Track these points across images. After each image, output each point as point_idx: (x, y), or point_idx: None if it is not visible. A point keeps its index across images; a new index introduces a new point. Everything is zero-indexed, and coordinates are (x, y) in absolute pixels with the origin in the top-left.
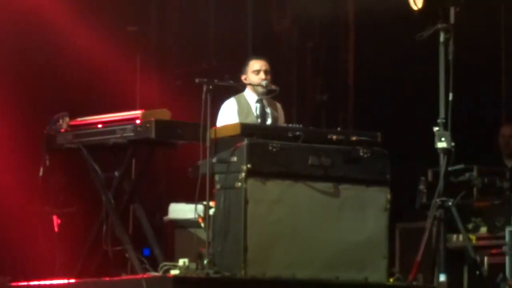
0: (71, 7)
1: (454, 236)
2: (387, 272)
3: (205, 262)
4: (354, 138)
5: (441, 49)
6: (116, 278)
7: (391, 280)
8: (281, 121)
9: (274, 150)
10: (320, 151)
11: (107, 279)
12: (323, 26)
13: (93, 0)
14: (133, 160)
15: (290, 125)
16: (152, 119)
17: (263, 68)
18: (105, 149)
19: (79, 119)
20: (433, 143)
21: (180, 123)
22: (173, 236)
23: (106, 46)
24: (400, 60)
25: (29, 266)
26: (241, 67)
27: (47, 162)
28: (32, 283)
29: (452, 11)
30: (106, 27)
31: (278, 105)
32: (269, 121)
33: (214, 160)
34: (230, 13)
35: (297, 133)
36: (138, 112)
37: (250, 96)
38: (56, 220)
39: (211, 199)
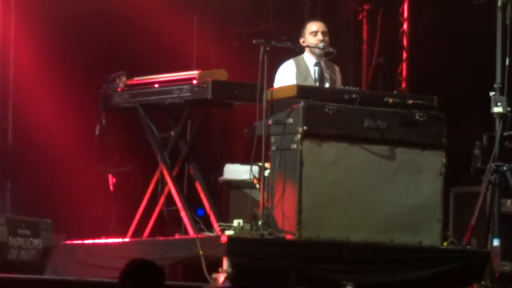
0: None
1: (508, 201)
2: (441, 236)
3: (259, 223)
4: (410, 101)
5: (499, 14)
6: (170, 238)
7: (445, 244)
8: (339, 84)
9: (330, 112)
10: (376, 114)
11: (162, 238)
12: None
13: None
14: (189, 120)
15: (347, 87)
16: (209, 79)
17: (321, 29)
18: (161, 109)
19: (136, 78)
20: (489, 107)
21: (237, 84)
22: (227, 197)
23: (164, 6)
24: (458, 24)
25: (84, 224)
26: (298, 29)
27: (104, 121)
28: (86, 241)
29: None
30: None
31: (336, 68)
32: (326, 84)
33: (270, 121)
34: None
35: (353, 95)
36: (195, 72)
37: (308, 58)
38: (111, 179)
39: (266, 160)
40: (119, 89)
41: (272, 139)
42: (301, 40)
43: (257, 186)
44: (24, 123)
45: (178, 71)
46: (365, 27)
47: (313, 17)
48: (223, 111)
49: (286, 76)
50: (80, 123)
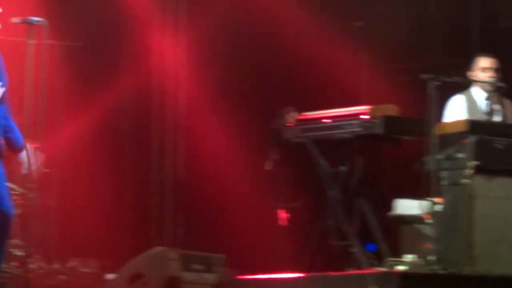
0: (297, 2)
1: None
2: None
3: (431, 258)
4: None
5: None
6: (342, 273)
7: None
8: (510, 118)
9: (501, 147)
10: None
11: (334, 273)
12: None
13: None
14: (359, 155)
15: None
16: (380, 114)
17: (492, 66)
18: (331, 144)
19: (305, 113)
20: None
21: (407, 119)
22: (397, 232)
23: (331, 41)
24: None
25: (256, 259)
26: (466, 63)
27: (275, 156)
28: (259, 276)
29: None
30: (331, 22)
31: (507, 102)
32: (496, 118)
33: (440, 156)
34: (454, 9)
35: None
36: (365, 108)
37: (477, 92)
38: (283, 214)
39: (436, 195)
40: (289, 124)
41: (442, 174)
42: (470, 74)
43: (428, 221)
44: (196, 158)
45: (346, 106)
46: None
47: (484, 53)
48: (392, 146)
49: (456, 110)
50: (251, 157)
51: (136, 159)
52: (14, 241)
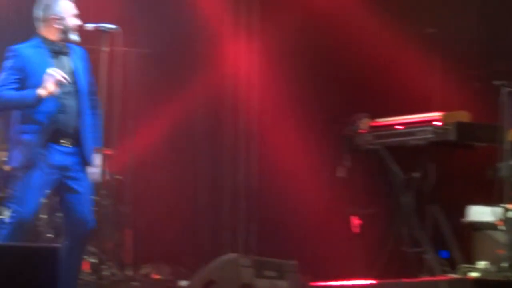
0: (370, 9)
1: None
2: None
3: (504, 264)
4: None
5: None
6: (416, 280)
7: None
8: None
9: None
10: None
11: (407, 280)
12: None
13: (392, 2)
14: (431, 162)
15: None
16: (453, 121)
17: None
18: (404, 150)
19: (378, 120)
20: None
21: (480, 125)
22: (470, 239)
23: (404, 48)
24: None
25: (329, 266)
26: None
27: (347, 163)
28: (331, 283)
29: None
30: (404, 29)
31: None
32: None
33: None
34: None
35: None
36: (438, 114)
37: None
38: (356, 221)
39: (509, 201)
40: (362, 131)
41: None
42: None
43: (501, 227)
44: (268, 164)
45: (418, 113)
46: None
47: None
48: (464, 152)
49: None
50: (323, 164)
51: (209, 165)
52: (88, 248)
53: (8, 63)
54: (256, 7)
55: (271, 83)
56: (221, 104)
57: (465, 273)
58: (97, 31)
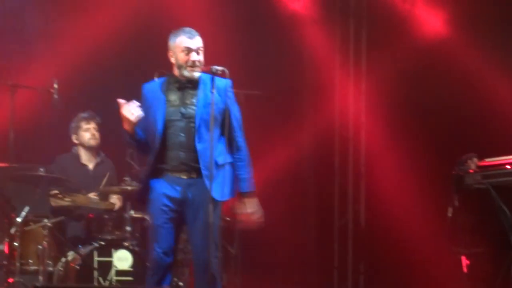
0: (472, 47)
1: None
2: None
3: None
4: None
5: None
6: None
7: None
8: None
9: None
10: None
11: None
12: None
13: (495, 37)
14: None
15: None
16: None
17: None
18: None
19: (487, 159)
20: None
21: None
22: None
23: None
24: None
25: None
26: None
27: (456, 203)
28: None
29: None
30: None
31: None
32: None
33: None
34: None
35: None
36: None
37: None
38: (464, 261)
39: None
40: (471, 171)
41: None
42: None
43: None
44: (376, 205)
45: None
46: None
47: None
48: None
49: None
50: (432, 204)
51: (317, 205)
52: None
53: None
54: (363, 48)
55: (378, 123)
56: (330, 143)
57: None
58: (207, 72)
